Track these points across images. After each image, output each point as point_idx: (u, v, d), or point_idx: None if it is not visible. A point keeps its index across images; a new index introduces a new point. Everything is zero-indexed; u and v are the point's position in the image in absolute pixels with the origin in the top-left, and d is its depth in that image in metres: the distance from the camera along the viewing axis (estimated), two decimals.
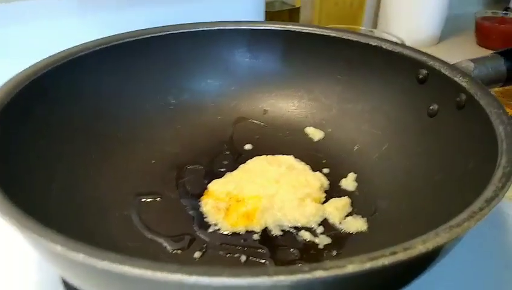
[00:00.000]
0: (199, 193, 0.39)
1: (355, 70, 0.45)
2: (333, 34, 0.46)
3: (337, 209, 0.37)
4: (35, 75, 0.36)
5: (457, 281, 0.34)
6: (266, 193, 0.37)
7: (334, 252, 0.33)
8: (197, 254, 0.33)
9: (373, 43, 0.43)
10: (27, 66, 0.36)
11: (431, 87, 0.39)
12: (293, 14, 0.72)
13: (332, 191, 0.40)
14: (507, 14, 0.91)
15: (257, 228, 0.35)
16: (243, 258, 0.32)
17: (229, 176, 0.40)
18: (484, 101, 0.32)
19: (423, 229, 0.22)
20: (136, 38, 0.44)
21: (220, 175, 0.41)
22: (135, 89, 0.44)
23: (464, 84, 0.35)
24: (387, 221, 0.36)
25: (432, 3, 0.82)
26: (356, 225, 0.36)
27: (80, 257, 0.17)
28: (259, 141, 0.46)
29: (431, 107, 0.38)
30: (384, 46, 0.42)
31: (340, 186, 0.40)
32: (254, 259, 0.33)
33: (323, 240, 0.34)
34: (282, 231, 0.35)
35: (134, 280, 0.18)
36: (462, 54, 0.85)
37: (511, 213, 0.39)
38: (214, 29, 0.48)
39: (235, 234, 0.35)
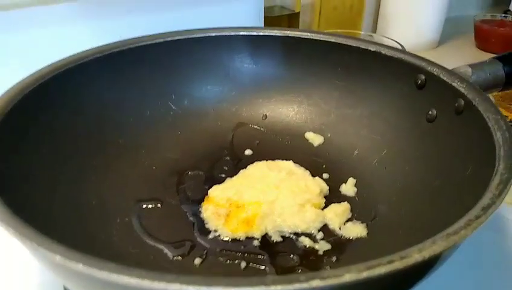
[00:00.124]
0: (200, 199, 0.39)
1: (354, 75, 0.45)
2: (332, 39, 0.46)
3: (336, 215, 0.37)
4: (37, 82, 0.36)
5: (455, 285, 0.34)
6: (266, 198, 0.37)
7: (334, 258, 0.33)
8: (197, 261, 0.33)
9: (372, 48, 0.43)
10: (28, 73, 0.37)
11: (429, 93, 0.39)
12: (292, 19, 0.72)
13: (332, 197, 0.40)
14: (506, 17, 0.91)
15: (257, 234, 0.35)
16: (243, 264, 0.33)
17: (229, 182, 0.40)
18: (482, 106, 0.32)
19: (422, 235, 0.22)
20: (136, 45, 0.44)
21: (221, 181, 0.41)
22: (136, 96, 0.45)
23: (462, 89, 0.35)
24: (387, 226, 0.36)
25: (430, 7, 0.82)
26: (356, 230, 0.36)
27: (79, 266, 0.18)
28: (259, 146, 0.47)
29: (429, 113, 0.38)
30: (383, 52, 0.43)
31: (340, 191, 0.40)
32: (254, 265, 0.33)
33: (323, 246, 0.34)
34: (282, 237, 0.35)
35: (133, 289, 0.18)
36: (461, 57, 0.85)
37: (510, 217, 0.39)
38: (214, 36, 0.48)
39: (235, 240, 0.35)
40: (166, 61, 0.46)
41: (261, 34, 0.48)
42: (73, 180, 0.36)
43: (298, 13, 0.73)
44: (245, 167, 0.42)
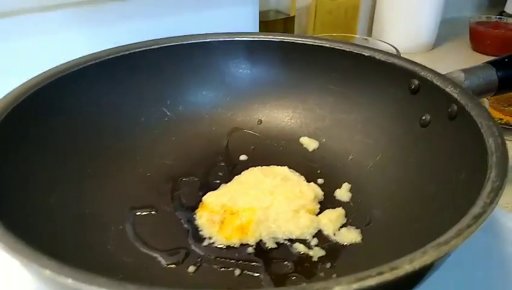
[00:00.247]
0: (194, 206, 0.39)
1: (348, 80, 0.45)
2: (326, 44, 0.46)
3: (331, 221, 0.37)
4: (32, 89, 0.36)
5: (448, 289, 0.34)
6: (260, 205, 0.37)
7: (328, 265, 0.33)
8: (191, 268, 0.33)
9: (365, 53, 0.43)
10: (24, 80, 0.37)
11: (423, 98, 0.39)
12: (287, 23, 0.72)
13: (327, 202, 0.40)
14: (501, 19, 0.91)
15: (251, 241, 0.35)
16: (237, 272, 0.33)
17: (224, 188, 0.40)
18: (475, 112, 0.32)
19: (417, 240, 0.22)
20: (131, 51, 0.44)
21: (215, 187, 0.41)
22: (130, 102, 0.45)
23: (454, 95, 0.35)
24: (381, 232, 0.36)
25: (425, 10, 0.82)
26: (350, 236, 0.36)
27: (69, 281, 0.18)
28: (255, 152, 0.47)
29: (423, 118, 0.38)
30: (376, 57, 0.43)
31: (334, 196, 0.40)
32: (248, 273, 0.33)
33: (317, 253, 0.34)
34: (277, 243, 0.35)
35: None
36: (456, 59, 0.86)
37: (503, 221, 0.40)
38: (209, 41, 0.48)
39: (229, 247, 0.35)
40: (161, 67, 0.46)
41: (256, 39, 0.49)
42: (66, 189, 0.36)
43: (293, 17, 0.73)
44: (240, 173, 0.42)
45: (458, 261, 0.31)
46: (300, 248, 0.35)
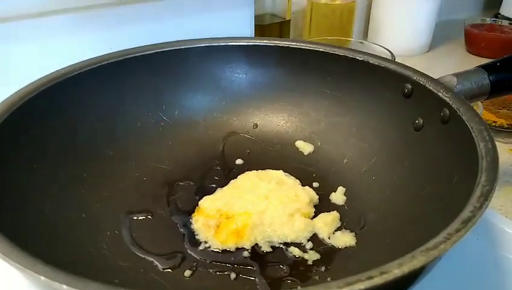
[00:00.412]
0: (190, 210, 0.39)
1: (342, 84, 0.46)
2: (321, 49, 0.46)
3: (326, 224, 0.37)
4: (31, 94, 0.36)
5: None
6: (256, 209, 0.38)
7: (323, 268, 0.34)
8: (187, 273, 0.33)
9: (360, 57, 0.44)
10: (23, 84, 0.37)
11: (416, 102, 0.39)
12: (283, 27, 0.73)
13: (322, 205, 0.40)
14: (496, 21, 0.92)
15: (247, 244, 0.35)
16: (233, 275, 0.33)
17: (220, 193, 0.41)
18: (466, 116, 0.33)
19: (410, 244, 0.22)
20: (127, 56, 0.44)
21: (211, 191, 0.41)
22: (126, 107, 0.45)
23: (446, 99, 0.35)
24: (376, 235, 0.36)
25: (421, 13, 0.83)
26: (345, 239, 0.36)
27: (63, 288, 0.18)
28: (250, 156, 0.47)
29: (416, 122, 0.39)
30: (370, 61, 0.43)
31: (329, 200, 0.41)
32: (244, 276, 0.33)
33: (312, 256, 0.35)
34: (272, 247, 0.36)
35: None
36: (452, 62, 0.86)
37: (497, 223, 0.40)
38: (204, 46, 0.48)
39: (225, 251, 0.35)
40: (157, 72, 0.47)
41: (251, 43, 0.49)
42: (63, 193, 0.36)
43: (289, 21, 0.73)
44: (236, 177, 0.43)
45: (452, 264, 0.32)
46: (295, 251, 0.35)
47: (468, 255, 0.37)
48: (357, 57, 0.44)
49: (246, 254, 0.35)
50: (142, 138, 0.45)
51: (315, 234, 0.37)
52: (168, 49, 0.47)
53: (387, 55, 0.59)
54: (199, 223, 0.37)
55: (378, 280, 0.18)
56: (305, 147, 0.47)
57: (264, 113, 0.50)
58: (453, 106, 0.35)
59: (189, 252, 0.35)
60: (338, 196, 0.41)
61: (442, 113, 0.36)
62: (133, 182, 0.42)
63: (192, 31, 0.51)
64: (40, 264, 0.19)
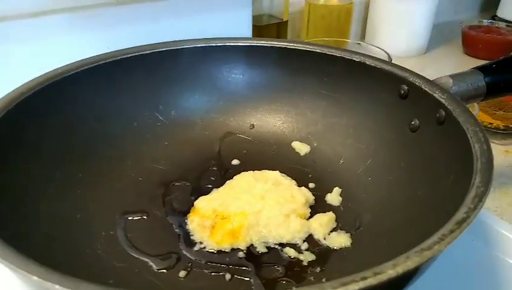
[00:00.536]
0: (186, 210, 0.39)
1: (339, 85, 0.46)
2: (318, 50, 0.46)
3: (321, 225, 0.37)
4: (25, 94, 0.36)
5: None
6: (252, 209, 0.37)
7: (318, 269, 0.34)
8: (182, 273, 0.33)
9: (356, 59, 0.44)
10: (20, 84, 0.37)
11: (412, 103, 0.39)
12: (280, 28, 0.73)
13: (318, 206, 0.40)
14: (493, 23, 0.92)
15: (242, 245, 0.35)
16: (228, 276, 0.33)
17: (215, 193, 0.41)
18: (462, 118, 0.33)
19: (406, 244, 0.22)
20: (123, 56, 0.44)
21: (207, 191, 0.41)
22: (123, 107, 0.45)
23: (442, 100, 0.35)
24: (371, 236, 0.36)
25: (418, 14, 0.83)
26: (340, 240, 0.36)
27: (56, 288, 0.18)
28: (247, 156, 0.47)
29: (412, 123, 0.39)
30: (367, 62, 0.43)
31: (325, 201, 0.41)
32: (239, 277, 0.33)
33: (307, 257, 0.35)
34: (267, 247, 0.36)
35: None
36: (449, 63, 0.87)
37: (492, 225, 0.40)
38: (201, 46, 0.48)
39: (220, 252, 0.35)
40: (154, 72, 0.47)
41: (248, 44, 0.49)
42: (58, 193, 0.36)
43: (286, 22, 0.73)
44: (232, 177, 0.42)
45: (447, 264, 0.32)
46: (290, 252, 0.35)
47: (463, 256, 0.37)
48: (354, 58, 0.44)
49: (241, 254, 0.35)
50: (139, 138, 0.45)
51: (310, 234, 0.37)
52: (165, 49, 0.47)
53: (385, 57, 0.59)
54: (194, 223, 0.37)
55: (372, 281, 0.18)
56: (302, 148, 0.47)
57: (261, 113, 0.50)
58: (448, 107, 0.35)
59: (184, 252, 0.35)
60: (334, 197, 0.41)
61: (438, 115, 0.36)
62: (129, 182, 0.42)
63: (190, 31, 0.51)
64: (33, 264, 0.19)
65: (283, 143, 0.48)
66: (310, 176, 0.44)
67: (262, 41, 0.49)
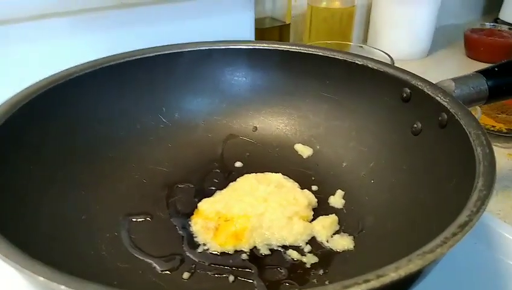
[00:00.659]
0: (189, 212, 0.39)
1: (342, 88, 0.46)
2: (320, 53, 0.47)
3: (324, 228, 0.37)
4: (29, 97, 0.36)
5: None
6: (255, 212, 0.38)
7: (321, 272, 0.34)
8: (185, 275, 0.33)
9: (359, 62, 0.44)
10: (24, 86, 0.37)
11: (415, 106, 0.39)
12: (283, 31, 0.73)
13: (321, 209, 0.40)
14: (495, 26, 0.92)
15: (246, 247, 0.36)
16: (231, 278, 0.33)
17: (219, 195, 0.41)
18: (464, 121, 0.33)
19: (409, 247, 0.23)
20: (126, 59, 0.44)
21: (210, 193, 0.41)
22: (126, 109, 0.45)
23: (445, 103, 0.36)
24: (374, 239, 0.36)
25: (420, 17, 0.83)
26: (343, 243, 0.36)
27: (62, 288, 0.18)
28: (250, 158, 0.47)
29: (415, 126, 0.39)
30: (369, 65, 0.43)
31: (328, 203, 0.41)
32: (242, 279, 0.33)
33: (310, 259, 0.35)
34: (270, 250, 0.36)
35: None
36: (451, 66, 0.87)
37: (495, 228, 0.40)
38: (205, 49, 0.48)
39: (224, 254, 0.35)
40: (157, 75, 0.47)
41: (251, 47, 0.49)
42: (62, 195, 0.36)
43: (289, 25, 0.74)
44: (235, 180, 0.43)
45: (450, 267, 0.32)
46: (293, 254, 0.35)
47: (465, 259, 0.37)
48: (356, 61, 0.44)
49: (244, 256, 0.35)
50: (142, 140, 0.45)
51: (313, 237, 0.37)
52: (168, 52, 0.47)
53: (387, 60, 0.59)
54: (198, 225, 0.37)
55: (374, 283, 0.19)
56: (304, 151, 0.47)
57: (264, 116, 0.50)
58: (451, 110, 0.35)
59: (187, 254, 0.35)
60: (337, 200, 0.41)
61: (440, 118, 0.36)
62: (133, 184, 0.42)
63: (193, 34, 0.52)
64: (39, 264, 0.20)
65: (286, 146, 0.48)
66: (313, 178, 0.44)
67: (265, 44, 0.49)
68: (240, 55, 0.49)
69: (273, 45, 0.49)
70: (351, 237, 0.37)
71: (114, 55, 0.44)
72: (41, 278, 0.19)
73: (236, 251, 0.35)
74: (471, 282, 0.36)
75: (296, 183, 0.42)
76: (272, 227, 0.37)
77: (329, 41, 0.66)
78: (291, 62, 0.48)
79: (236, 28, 0.64)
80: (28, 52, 0.51)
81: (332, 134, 0.47)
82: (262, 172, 0.43)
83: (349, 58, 0.45)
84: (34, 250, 0.22)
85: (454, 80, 0.38)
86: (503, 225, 0.41)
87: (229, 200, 0.39)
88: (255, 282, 0.33)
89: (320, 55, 0.47)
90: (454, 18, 1.07)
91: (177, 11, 0.60)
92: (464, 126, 0.33)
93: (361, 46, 0.66)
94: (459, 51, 0.92)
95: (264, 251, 0.35)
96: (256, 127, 0.50)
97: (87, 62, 0.43)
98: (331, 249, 0.36)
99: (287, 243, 0.36)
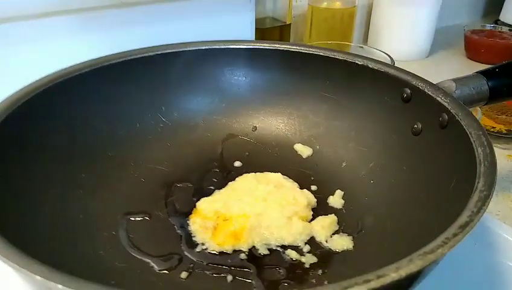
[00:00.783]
0: (188, 212, 0.39)
1: (342, 88, 0.46)
2: (321, 53, 0.46)
3: (323, 228, 0.37)
4: (28, 95, 0.36)
5: None
6: (253, 211, 0.37)
7: (320, 272, 0.34)
8: (183, 274, 0.33)
9: (359, 62, 0.44)
10: (23, 85, 0.37)
11: (415, 107, 0.39)
12: (283, 31, 0.73)
13: (320, 209, 0.40)
14: (495, 27, 0.92)
15: (244, 247, 0.35)
16: (230, 278, 0.33)
17: (217, 194, 0.41)
18: (465, 122, 0.33)
19: (408, 248, 0.22)
20: (127, 58, 0.44)
21: (209, 193, 0.41)
22: (125, 109, 0.45)
23: (445, 104, 0.35)
24: (373, 239, 0.36)
25: (421, 18, 0.83)
26: (342, 243, 0.36)
27: (59, 287, 0.18)
28: (249, 158, 0.47)
29: (415, 126, 0.39)
30: (369, 65, 0.43)
31: (327, 203, 0.41)
32: (240, 279, 0.33)
33: (309, 259, 0.35)
34: (269, 249, 0.36)
35: None
36: (451, 67, 0.87)
37: (494, 229, 0.40)
38: (205, 49, 0.48)
39: (222, 253, 0.35)
40: (157, 74, 0.47)
41: (251, 47, 0.49)
42: (60, 194, 0.36)
43: (289, 25, 0.73)
44: (234, 179, 0.42)
45: (449, 269, 0.32)
46: (292, 254, 0.35)
47: (465, 260, 0.37)
48: (356, 62, 0.44)
49: (243, 256, 0.35)
50: (141, 139, 0.45)
51: (312, 237, 0.37)
52: (168, 51, 0.47)
53: (387, 60, 0.59)
54: (196, 224, 0.37)
55: (374, 284, 0.18)
56: (304, 150, 0.47)
57: (264, 116, 0.50)
58: (451, 111, 0.35)
59: (186, 253, 0.35)
60: (336, 200, 0.41)
61: (440, 118, 0.36)
62: (131, 183, 0.42)
63: (193, 34, 0.52)
64: (36, 263, 0.19)
65: (285, 145, 0.48)
66: (312, 178, 0.44)
67: (265, 44, 0.49)
68: (240, 55, 0.49)
69: (273, 45, 0.49)
70: (350, 237, 0.37)
71: (114, 54, 0.44)
72: (39, 278, 0.18)
73: (234, 251, 0.35)
74: (470, 283, 0.36)
75: (295, 183, 0.42)
76: (271, 227, 0.37)
77: (329, 42, 0.66)
78: (291, 62, 0.48)
79: (236, 28, 0.64)
80: (28, 51, 0.51)
81: (332, 134, 0.46)
82: (261, 172, 0.43)
83: (349, 59, 0.45)
84: (32, 250, 0.22)
85: (454, 80, 0.38)
86: (502, 226, 0.41)
87: (228, 200, 0.39)
88: (253, 282, 0.33)
89: (320, 55, 0.47)
90: (454, 19, 1.07)
91: (177, 11, 0.59)
92: (464, 127, 0.32)
93: (362, 47, 0.66)
94: (459, 52, 0.92)
95: (263, 251, 0.35)
96: (255, 126, 0.50)
97: (87, 61, 0.42)
98: (330, 249, 0.36)
99: (286, 243, 0.36)
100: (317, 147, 0.47)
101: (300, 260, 0.35)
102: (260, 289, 0.32)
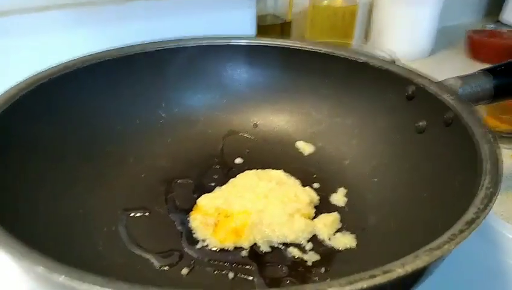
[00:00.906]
0: (188, 208, 0.39)
1: (344, 85, 0.46)
2: (322, 50, 0.46)
3: (326, 226, 0.37)
4: (27, 89, 0.36)
5: None
6: (255, 208, 0.37)
7: (323, 269, 0.33)
8: (184, 271, 0.32)
9: (361, 59, 0.44)
10: (21, 79, 0.36)
11: (419, 104, 0.39)
12: (285, 28, 0.73)
13: (322, 207, 0.40)
14: (496, 27, 0.92)
15: (245, 244, 0.35)
16: (231, 275, 0.32)
17: (218, 191, 0.40)
18: (470, 119, 0.33)
19: (412, 246, 0.22)
20: (127, 53, 0.44)
21: (210, 189, 0.41)
22: (125, 104, 0.45)
23: (450, 102, 0.35)
24: (376, 237, 0.36)
25: (423, 17, 0.83)
26: (345, 241, 0.36)
27: (61, 278, 0.17)
28: (250, 155, 0.46)
29: (419, 124, 0.39)
30: (371, 63, 0.43)
31: (330, 201, 0.40)
32: (242, 276, 0.33)
33: (311, 257, 0.34)
34: (271, 247, 0.35)
35: None
36: (452, 67, 0.86)
37: (498, 229, 0.40)
38: (206, 45, 0.48)
39: (223, 250, 0.35)
40: (157, 70, 0.46)
41: (253, 43, 0.49)
42: (60, 189, 0.35)
43: (290, 22, 0.73)
44: (235, 176, 0.42)
45: (453, 268, 0.32)
46: (294, 252, 0.35)
47: (469, 260, 0.36)
48: (358, 59, 0.44)
49: (244, 253, 0.34)
50: (141, 135, 0.45)
51: (315, 235, 0.36)
52: (168, 46, 0.47)
53: (388, 59, 0.59)
54: (197, 221, 0.37)
55: (380, 279, 0.18)
56: (306, 148, 0.47)
57: (265, 112, 0.50)
58: (456, 108, 0.34)
59: (186, 250, 0.34)
60: (339, 197, 0.40)
61: (445, 116, 0.35)
62: (131, 179, 0.41)
63: (194, 31, 0.51)
64: (38, 255, 0.19)
65: (287, 143, 0.48)
66: (315, 176, 0.43)
67: (267, 41, 0.49)
68: (242, 51, 0.49)
69: (275, 42, 0.48)
70: (353, 235, 0.36)
71: (114, 49, 0.44)
72: (41, 268, 0.18)
73: (236, 248, 0.35)
74: (474, 283, 0.36)
75: (297, 180, 0.42)
76: (273, 224, 0.36)
77: (330, 40, 0.66)
78: (293, 59, 0.48)
79: (237, 25, 0.64)
80: (26, 45, 0.51)
81: (335, 131, 0.46)
82: (262, 169, 0.43)
83: (351, 56, 0.45)
84: (29, 243, 0.21)
85: (459, 78, 0.38)
86: (506, 226, 0.40)
87: (229, 196, 0.39)
88: (255, 279, 0.32)
89: (322, 52, 0.46)
90: (456, 19, 1.07)
91: (179, 6, 0.59)
92: (469, 124, 0.32)
93: (362, 45, 0.66)
94: (461, 52, 0.92)
95: (265, 248, 0.35)
96: (257, 123, 0.50)
97: (86, 56, 0.42)
98: (333, 247, 0.35)
99: (288, 241, 0.36)
100: (320, 144, 0.47)
101: (302, 258, 0.34)
102: (262, 286, 0.32)
